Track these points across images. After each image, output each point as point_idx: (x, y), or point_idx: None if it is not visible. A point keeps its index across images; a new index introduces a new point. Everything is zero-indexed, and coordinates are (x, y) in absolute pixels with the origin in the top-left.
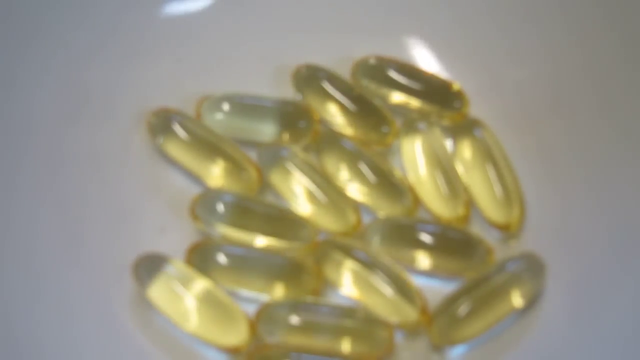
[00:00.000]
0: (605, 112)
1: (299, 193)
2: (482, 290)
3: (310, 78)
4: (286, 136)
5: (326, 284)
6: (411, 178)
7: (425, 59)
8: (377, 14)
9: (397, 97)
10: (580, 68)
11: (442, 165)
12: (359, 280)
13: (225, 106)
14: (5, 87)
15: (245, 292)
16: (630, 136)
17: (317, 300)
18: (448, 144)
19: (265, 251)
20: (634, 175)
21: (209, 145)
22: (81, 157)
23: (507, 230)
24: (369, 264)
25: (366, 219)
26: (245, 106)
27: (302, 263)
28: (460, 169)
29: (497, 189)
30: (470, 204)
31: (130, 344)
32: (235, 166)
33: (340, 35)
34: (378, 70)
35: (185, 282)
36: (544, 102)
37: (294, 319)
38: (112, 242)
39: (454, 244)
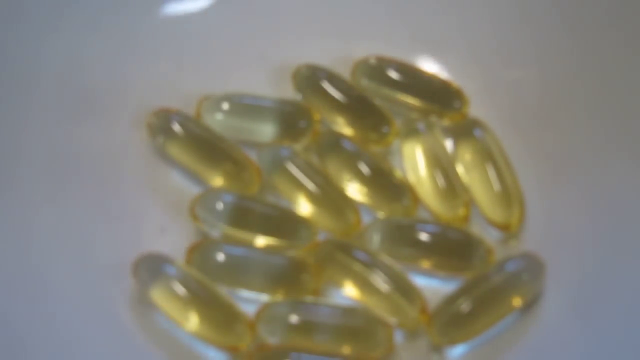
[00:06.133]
0: (605, 112)
1: (299, 193)
2: (482, 290)
3: (310, 78)
4: (286, 136)
5: (326, 284)
6: (411, 178)
7: (425, 59)
8: (377, 15)
9: (397, 97)
10: (580, 68)
11: (442, 165)
12: (359, 280)
13: (225, 106)
14: (5, 87)
15: (245, 292)
16: (630, 136)
17: (317, 300)
18: (448, 144)
19: (265, 251)
20: (633, 175)
21: (209, 145)
22: (81, 157)
23: (507, 230)
24: (369, 264)
25: (366, 219)
26: (245, 106)
27: (302, 263)
28: (460, 169)
29: (497, 189)
30: (470, 204)
31: (130, 344)
32: (235, 166)
33: (340, 35)
34: (378, 70)
35: (186, 282)
36: (544, 102)
37: (294, 319)
38: (112, 242)
39: (454, 244)
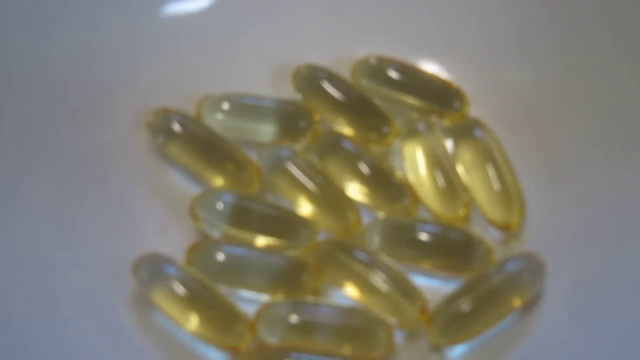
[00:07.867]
0: (605, 111)
1: (299, 193)
2: (482, 290)
3: (310, 78)
4: (286, 136)
5: (326, 284)
6: (411, 178)
7: (425, 59)
8: (377, 14)
9: (397, 97)
10: (580, 68)
11: (442, 166)
12: (359, 280)
13: (225, 106)
14: (6, 87)
15: (245, 292)
16: (630, 136)
17: (317, 300)
18: (448, 144)
19: (265, 251)
20: (633, 175)
21: (209, 145)
22: (81, 157)
23: (507, 230)
24: (369, 264)
25: (366, 219)
26: (245, 106)
27: (302, 263)
28: (460, 169)
29: (497, 189)
30: (471, 204)
31: (130, 344)
32: (235, 166)
33: (340, 35)
34: (378, 70)
35: (186, 283)
36: (544, 102)
37: (294, 319)
38: (112, 242)
39: (454, 244)
